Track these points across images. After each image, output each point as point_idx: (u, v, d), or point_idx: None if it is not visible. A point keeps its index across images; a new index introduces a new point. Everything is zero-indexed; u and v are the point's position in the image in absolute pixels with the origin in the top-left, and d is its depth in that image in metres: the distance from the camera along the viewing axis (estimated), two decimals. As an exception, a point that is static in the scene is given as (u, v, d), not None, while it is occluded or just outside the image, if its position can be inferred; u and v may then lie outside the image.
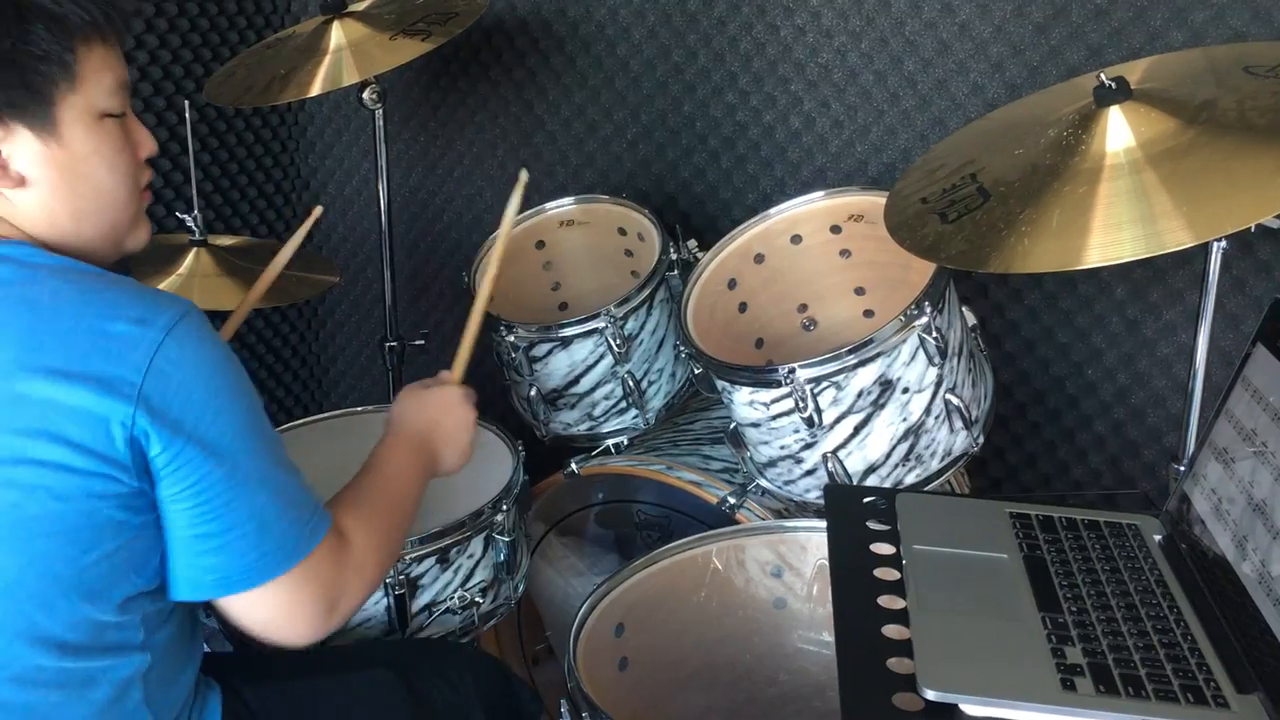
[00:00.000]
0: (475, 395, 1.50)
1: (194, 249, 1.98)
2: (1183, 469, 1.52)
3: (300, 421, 1.86)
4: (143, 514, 1.05)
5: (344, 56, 1.94)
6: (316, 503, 1.15)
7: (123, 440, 1.00)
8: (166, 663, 1.12)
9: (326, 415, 1.89)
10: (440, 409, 1.46)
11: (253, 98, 2.00)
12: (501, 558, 1.62)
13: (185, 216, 2.00)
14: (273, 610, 1.12)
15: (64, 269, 1.07)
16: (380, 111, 2.09)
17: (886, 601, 1.07)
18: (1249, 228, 1.24)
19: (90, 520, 1.02)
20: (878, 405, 1.52)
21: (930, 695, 0.92)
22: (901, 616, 1.04)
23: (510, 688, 1.44)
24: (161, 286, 1.89)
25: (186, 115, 1.98)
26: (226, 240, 2.10)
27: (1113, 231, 1.29)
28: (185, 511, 1.05)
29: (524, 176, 1.64)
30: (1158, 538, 1.19)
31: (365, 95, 2.04)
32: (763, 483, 1.68)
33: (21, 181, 1.08)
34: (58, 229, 1.10)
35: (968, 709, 0.92)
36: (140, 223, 1.19)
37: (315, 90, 1.91)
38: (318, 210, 1.83)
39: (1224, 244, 1.43)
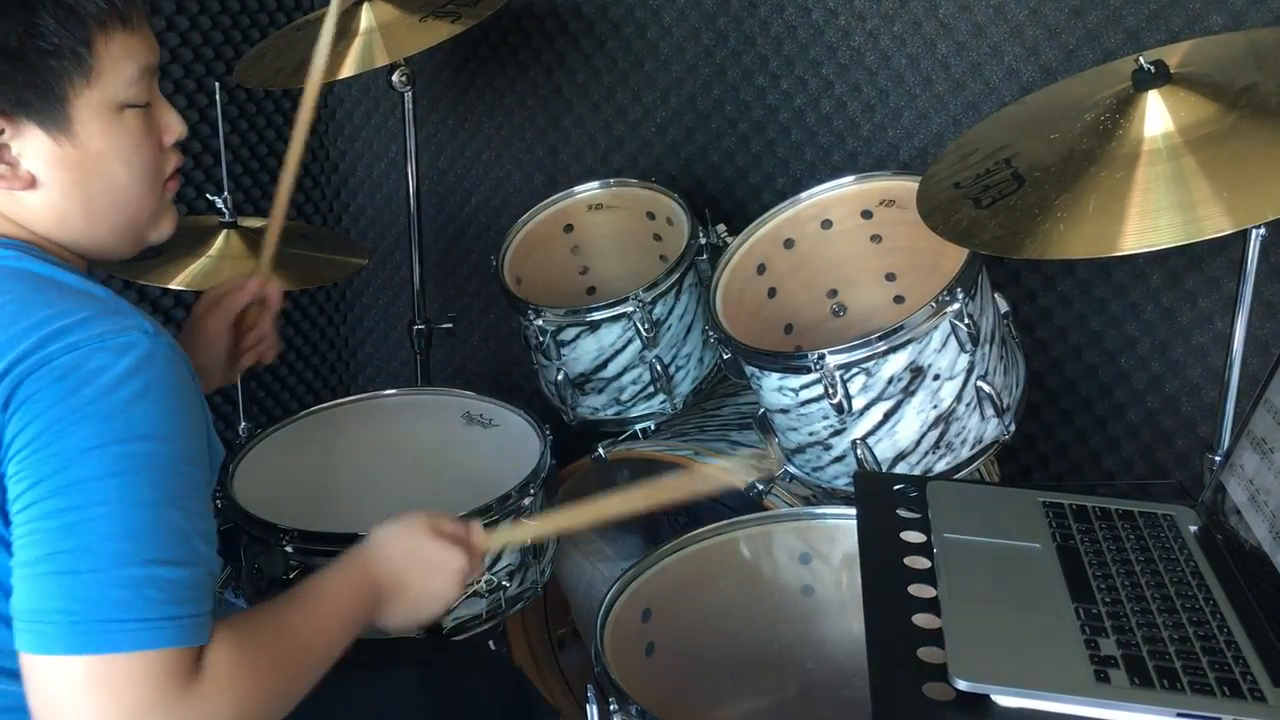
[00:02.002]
0: (482, 570, 1.30)
1: (224, 231, 1.98)
2: (1218, 459, 1.50)
3: (327, 404, 1.86)
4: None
5: (374, 39, 1.93)
6: (177, 613, 0.92)
7: None
8: None
9: (354, 398, 1.89)
10: (425, 569, 1.20)
11: (282, 80, 2.00)
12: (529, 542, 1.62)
13: (215, 198, 2.00)
14: (50, 695, 0.91)
15: (20, 274, 1.01)
16: (409, 94, 2.08)
17: (917, 590, 1.06)
18: (1290, 214, 1.22)
19: None
20: (908, 392, 1.51)
21: (962, 685, 0.91)
22: (932, 605, 1.03)
23: (526, 700, 1.41)
24: (191, 268, 1.90)
25: (217, 97, 1.98)
26: (256, 222, 2.10)
27: (1150, 218, 1.27)
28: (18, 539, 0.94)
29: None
30: (1193, 528, 1.17)
31: (395, 78, 2.04)
32: (791, 469, 1.67)
33: (32, 182, 1.02)
34: (68, 228, 1.05)
35: (999, 700, 0.91)
36: (164, 215, 1.12)
37: (345, 72, 1.91)
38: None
39: (1263, 231, 1.41)
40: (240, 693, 0.95)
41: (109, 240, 1.09)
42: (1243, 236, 1.42)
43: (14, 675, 0.95)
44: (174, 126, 1.11)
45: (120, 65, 1.03)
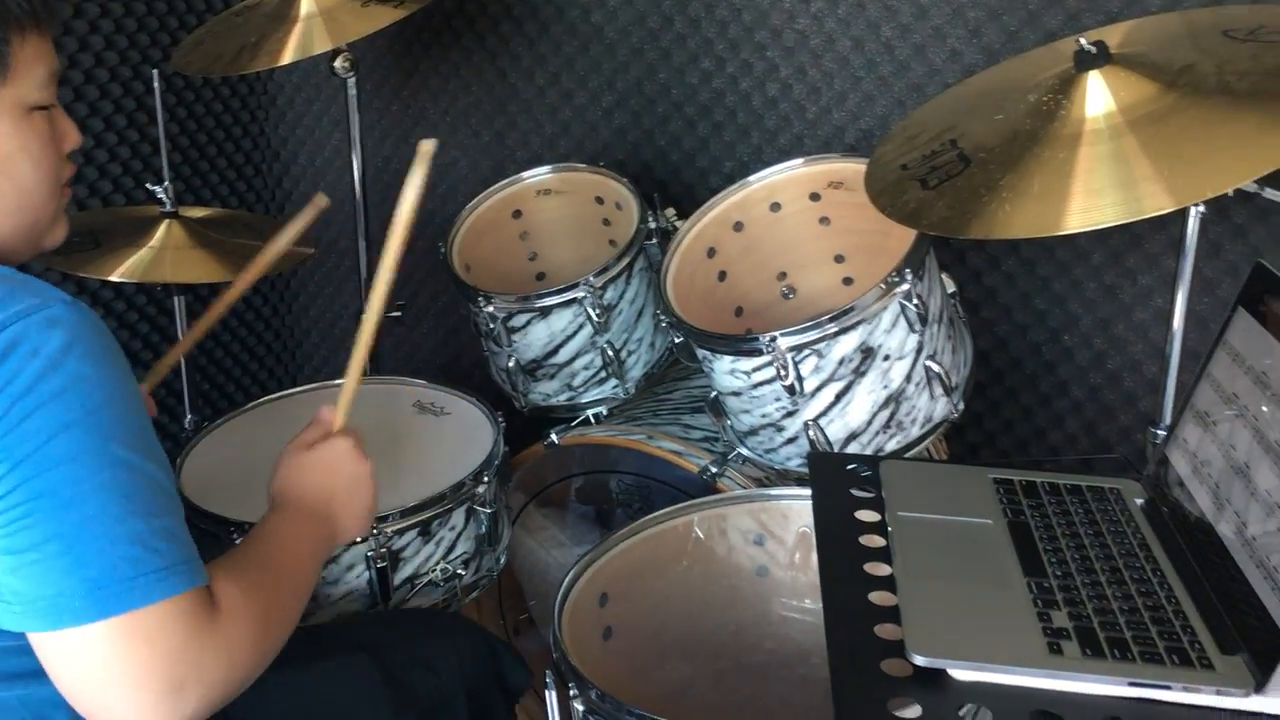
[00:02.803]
0: (362, 439, 1.33)
1: (165, 221, 1.95)
2: (1161, 432, 1.53)
3: (275, 395, 1.84)
4: None
5: (315, 24, 1.90)
6: (185, 556, 0.97)
7: None
8: None
9: (302, 389, 1.87)
10: (330, 472, 1.29)
11: (222, 67, 1.97)
12: (483, 529, 1.61)
13: (155, 188, 1.97)
14: (89, 665, 0.93)
15: None
16: (352, 80, 2.06)
17: (872, 568, 1.07)
18: (1227, 191, 1.25)
19: None
20: (859, 373, 1.52)
21: (919, 660, 0.92)
22: (888, 583, 1.05)
23: (495, 659, 1.42)
24: (133, 259, 1.87)
25: (155, 85, 1.95)
26: (198, 212, 2.07)
27: (1093, 196, 1.29)
28: None
29: (427, 147, 1.39)
30: (1139, 501, 1.19)
31: (337, 64, 2.01)
32: (744, 451, 1.68)
33: None
34: None
35: (956, 674, 0.92)
36: (60, 220, 1.12)
37: (286, 59, 1.88)
38: (323, 201, 1.61)
39: (1202, 209, 1.44)
40: (253, 617, 1.02)
41: (8, 241, 1.07)
42: (1182, 214, 1.45)
43: None
44: (71, 134, 1.12)
45: (33, 67, 1.03)
